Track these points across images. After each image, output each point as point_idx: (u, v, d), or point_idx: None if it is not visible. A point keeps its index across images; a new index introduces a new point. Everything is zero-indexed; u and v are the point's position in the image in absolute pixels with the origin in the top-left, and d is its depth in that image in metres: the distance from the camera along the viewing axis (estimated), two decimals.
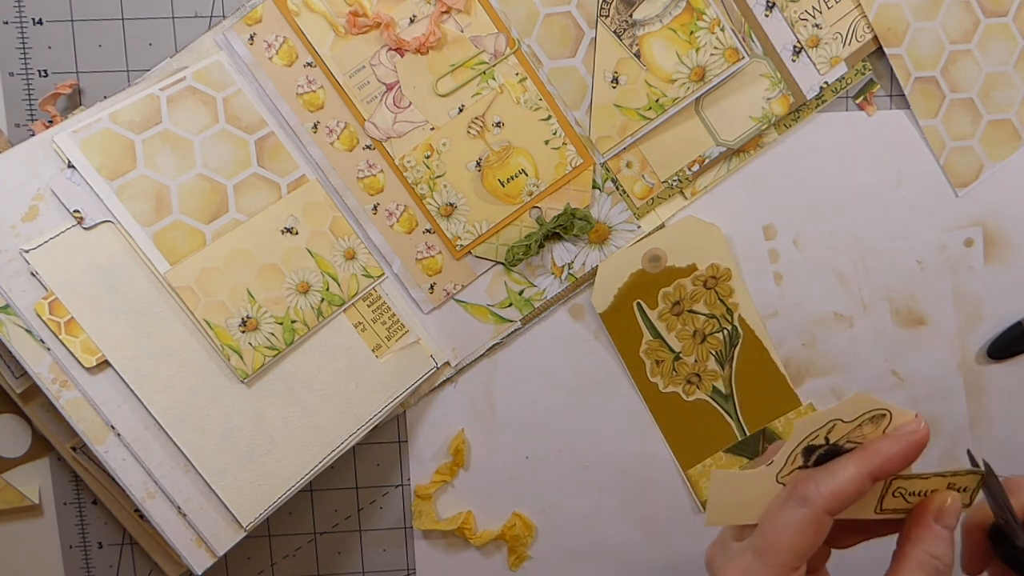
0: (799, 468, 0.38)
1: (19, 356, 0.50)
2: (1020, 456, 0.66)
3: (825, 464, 0.38)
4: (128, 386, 0.51)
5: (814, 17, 0.59)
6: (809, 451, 0.38)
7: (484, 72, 0.58)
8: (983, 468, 0.38)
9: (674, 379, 0.63)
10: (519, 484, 0.64)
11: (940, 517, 0.38)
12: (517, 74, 0.58)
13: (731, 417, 0.64)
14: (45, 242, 0.50)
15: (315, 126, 0.57)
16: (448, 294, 0.61)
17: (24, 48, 0.57)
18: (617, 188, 0.61)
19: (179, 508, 0.52)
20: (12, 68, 0.57)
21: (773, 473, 0.38)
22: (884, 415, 0.38)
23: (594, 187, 0.60)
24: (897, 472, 0.38)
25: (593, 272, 0.62)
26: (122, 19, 0.57)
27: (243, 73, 0.56)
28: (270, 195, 0.56)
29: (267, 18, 0.56)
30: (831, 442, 0.38)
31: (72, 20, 0.57)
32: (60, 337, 0.50)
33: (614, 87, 0.59)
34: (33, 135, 0.56)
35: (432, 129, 0.58)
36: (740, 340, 0.63)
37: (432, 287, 0.60)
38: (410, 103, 0.58)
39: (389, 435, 0.63)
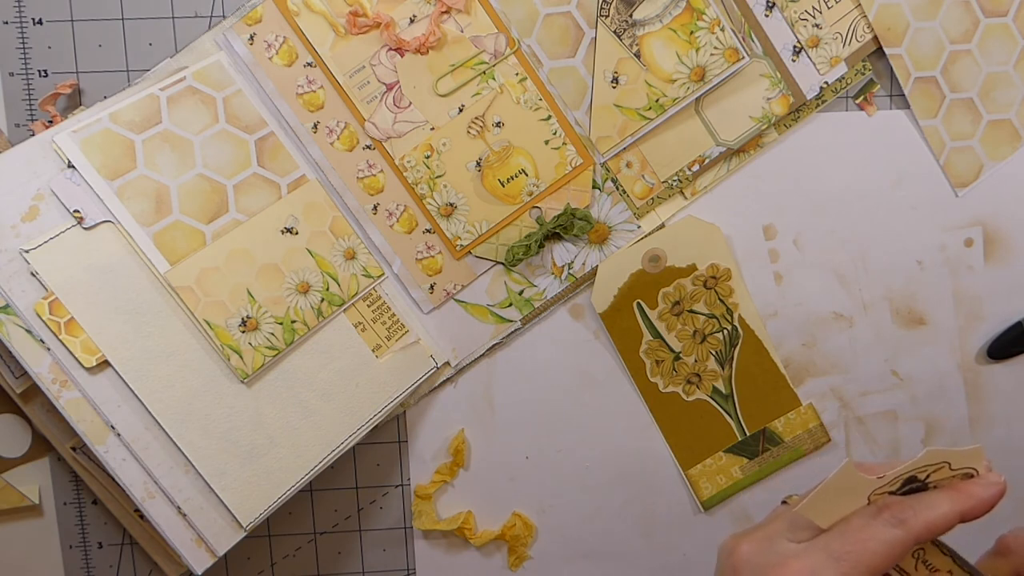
0: (888, 493, 0.39)
1: (19, 356, 0.50)
2: (1020, 456, 0.66)
3: (916, 495, 0.39)
4: (128, 386, 0.51)
5: (814, 17, 0.59)
6: (908, 480, 0.39)
7: (484, 72, 0.58)
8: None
9: (674, 379, 0.63)
10: (519, 484, 0.64)
11: None
12: (517, 74, 0.58)
13: (731, 417, 0.64)
14: (45, 242, 0.50)
15: (315, 126, 0.57)
16: (448, 294, 0.61)
17: (24, 48, 0.57)
18: (617, 188, 0.61)
19: (179, 508, 0.52)
20: (12, 68, 0.57)
21: (872, 487, 0.38)
22: (973, 475, 0.39)
23: (594, 187, 0.60)
24: (978, 517, 0.38)
25: (593, 272, 0.62)
26: (122, 19, 0.57)
27: (243, 73, 0.56)
28: (270, 195, 0.56)
29: (267, 18, 0.56)
30: (927, 480, 0.39)
31: (72, 20, 0.57)
32: (60, 337, 0.50)
33: (614, 87, 0.59)
34: (33, 135, 0.56)
35: (432, 129, 0.58)
36: (740, 340, 0.63)
37: (432, 287, 0.60)
38: (410, 103, 0.58)
39: (389, 435, 0.63)
